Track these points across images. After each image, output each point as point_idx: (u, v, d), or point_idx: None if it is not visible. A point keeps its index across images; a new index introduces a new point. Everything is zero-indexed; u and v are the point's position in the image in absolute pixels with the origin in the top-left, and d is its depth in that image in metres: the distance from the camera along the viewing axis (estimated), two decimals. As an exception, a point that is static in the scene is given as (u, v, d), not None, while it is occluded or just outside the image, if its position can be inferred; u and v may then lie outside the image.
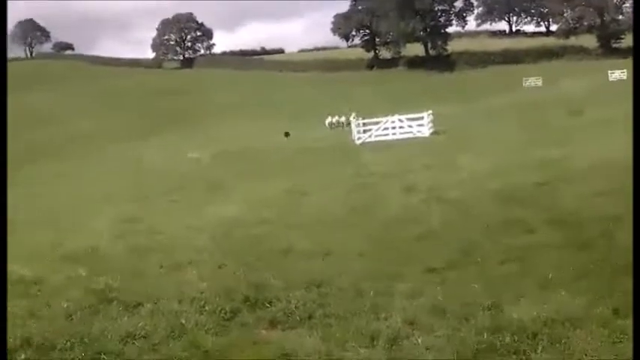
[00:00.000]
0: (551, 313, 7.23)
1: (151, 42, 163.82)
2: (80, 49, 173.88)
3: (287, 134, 49.61)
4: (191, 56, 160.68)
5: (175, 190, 22.35)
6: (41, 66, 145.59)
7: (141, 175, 29.89)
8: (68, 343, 7.28)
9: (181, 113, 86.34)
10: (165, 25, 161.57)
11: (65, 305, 8.57)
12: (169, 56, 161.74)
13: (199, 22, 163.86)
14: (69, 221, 17.00)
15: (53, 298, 8.94)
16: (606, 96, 49.73)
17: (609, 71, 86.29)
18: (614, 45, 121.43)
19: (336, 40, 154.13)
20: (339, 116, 57.38)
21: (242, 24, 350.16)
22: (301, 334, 7.46)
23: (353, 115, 47.49)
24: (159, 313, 8.21)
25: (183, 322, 7.79)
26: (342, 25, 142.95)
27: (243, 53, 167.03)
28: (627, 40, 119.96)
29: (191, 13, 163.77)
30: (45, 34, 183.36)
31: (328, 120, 58.04)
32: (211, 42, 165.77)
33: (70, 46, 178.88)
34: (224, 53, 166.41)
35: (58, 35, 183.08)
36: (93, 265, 10.79)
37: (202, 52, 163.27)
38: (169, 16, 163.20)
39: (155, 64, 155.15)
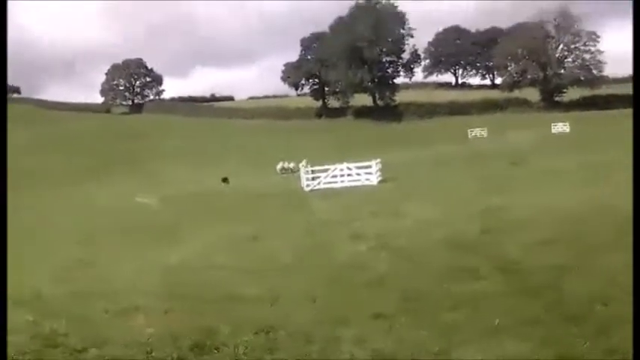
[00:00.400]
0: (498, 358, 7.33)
1: (100, 87, 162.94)
2: (27, 93, 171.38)
3: (225, 180, 49.49)
4: (140, 101, 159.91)
5: (123, 233, 22.09)
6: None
7: (87, 219, 29.46)
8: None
9: (130, 158, 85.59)
10: (115, 70, 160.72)
11: (8, 351, 8.37)
12: (118, 101, 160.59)
13: (149, 67, 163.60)
14: (13, 263, 16.63)
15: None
16: (549, 147, 50.99)
17: (552, 124, 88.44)
18: (557, 98, 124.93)
19: (286, 89, 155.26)
20: (289, 162, 57.66)
21: (192, 70, 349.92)
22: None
23: (303, 162, 47.72)
24: (105, 358, 8.08)
25: (130, 367, 7.69)
26: (292, 74, 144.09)
27: (192, 99, 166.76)
28: (569, 94, 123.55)
29: (140, 59, 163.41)
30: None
31: (279, 165, 58.26)
32: (161, 88, 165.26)
33: (16, 90, 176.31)
34: (173, 99, 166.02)
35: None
36: (38, 310, 10.58)
37: (152, 97, 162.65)
38: (119, 61, 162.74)
39: (103, 108, 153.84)
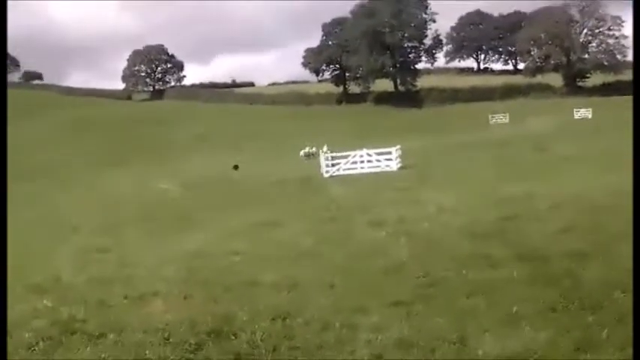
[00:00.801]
0: (516, 347, 7.27)
1: (121, 73, 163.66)
2: (50, 79, 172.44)
3: (236, 167, 49.61)
4: (161, 88, 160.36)
5: (144, 220, 22.19)
6: (9, 96, 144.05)
7: (109, 205, 29.62)
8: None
9: (150, 144, 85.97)
10: (136, 57, 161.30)
11: (27, 336, 8.45)
12: (139, 87, 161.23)
13: (170, 53, 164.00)
14: (36, 249, 16.79)
15: (15, 329, 8.81)
16: (572, 133, 50.58)
17: (575, 109, 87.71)
18: (580, 84, 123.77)
19: (307, 74, 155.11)
20: (311, 148, 57.58)
21: (213, 56, 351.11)
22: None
23: (324, 147, 47.80)
24: (122, 344, 8.13)
25: (147, 353, 7.72)
26: (313, 60, 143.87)
27: (213, 85, 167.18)
28: (592, 79, 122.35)
29: (162, 45, 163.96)
30: (14, 62, 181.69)
31: (304, 151, 58.13)
32: (182, 74, 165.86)
33: (39, 76, 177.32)
34: (194, 85, 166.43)
35: (27, 65, 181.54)
36: (57, 296, 10.67)
37: (173, 83, 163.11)
38: (141, 47, 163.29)
39: (124, 95, 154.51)
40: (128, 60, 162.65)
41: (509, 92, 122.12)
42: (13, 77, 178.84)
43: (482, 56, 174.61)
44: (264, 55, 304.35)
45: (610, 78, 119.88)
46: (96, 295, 10.84)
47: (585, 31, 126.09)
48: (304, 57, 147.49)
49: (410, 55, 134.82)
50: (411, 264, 11.56)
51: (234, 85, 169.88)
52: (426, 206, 18.89)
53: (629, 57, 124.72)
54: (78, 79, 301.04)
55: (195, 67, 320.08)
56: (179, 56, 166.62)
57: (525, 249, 11.96)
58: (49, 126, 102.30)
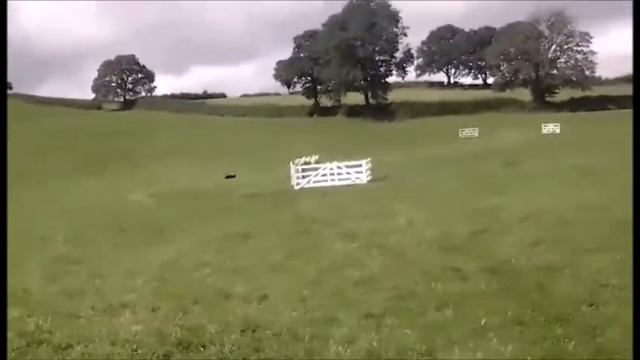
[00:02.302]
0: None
1: (91, 83, 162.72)
2: (18, 89, 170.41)
3: (230, 176, 49.69)
4: (132, 98, 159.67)
5: (113, 231, 22.04)
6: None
7: (79, 216, 29.37)
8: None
9: (120, 155, 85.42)
10: (107, 67, 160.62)
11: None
12: (110, 98, 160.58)
13: (141, 64, 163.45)
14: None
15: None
16: (540, 148, 51.16)
17: (543, 124, 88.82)
18: (548, 99, 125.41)
19: (278, 87, 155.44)
20: (308, 157, 56.89)
21: (185, 67, 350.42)
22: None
23: (313, 157, 48.17)
24: (89, 355, 8.05)
25: (115, 365, 7.67)
26: (285, 72, 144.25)
27: (185, 96, 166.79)
28: (561, 95, 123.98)
29: (133, 55, 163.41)
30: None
31: (301, 160, 57.33)
32: (153, 84, 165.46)
33: (8, 85, 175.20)
34: (165, 96, 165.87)
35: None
36: (24, 307, 10.55)
37: (143, 94, 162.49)
38: (112, 57, 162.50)
39: (95, 105, 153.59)
40: (99, 70, 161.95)
41: (478, 106, 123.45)
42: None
43: (453, 70, 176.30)
44: (236, 66, 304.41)
45: (578, 93, 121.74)
46: (63, 306, 10.74)
47: (554, 46, 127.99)
48: (276, 69, 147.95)
49: (381, 69, 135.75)
50: (381, 277, 11.59)
51: (206, 96, 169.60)
52: (397, 219, 18.96)
53: (597, 73, 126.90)
54: (47, 89, 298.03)
55: (167, 77, 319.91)
56: (151, 66, 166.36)
57: (494, 262, 12.05)
58: (18, 136, 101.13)
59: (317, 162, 44.77)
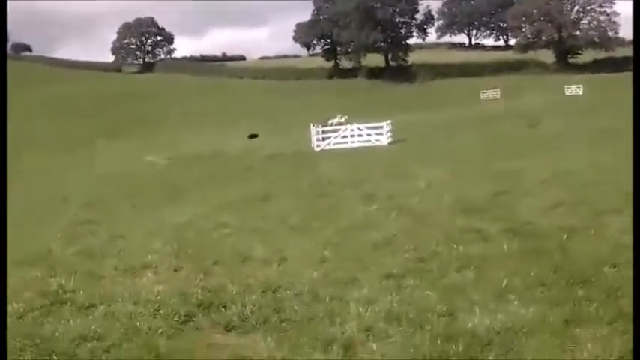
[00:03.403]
0: (505, 322, 7.30)
1: (110, 46, 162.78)
2: (39, 51, 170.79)
3: (253, 136, 49.88)
4: (151, 60, 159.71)
5: (133, 193, 22.16)
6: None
7: (97, 179, 29.55)
8: (18, 344, 7.19)
9: (142, 117, 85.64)
10: (126, 29, 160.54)
11: (16, 306, 8.45)
12: (129, 60, 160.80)
13: (160, 26, 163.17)
14: (25, 222, 16.75)
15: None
16: (562, 110, 50.62)
17: (566, 86, 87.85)
18: (571, 60, 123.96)
19: (298, 49, 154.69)
20: (341, 117, 56.48)
21: (205, 30, 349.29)
22: (256, 338, 7.44)
23: (344, 118, 48.16)
24: (112, 315, 8.13)
25: (138, 324, 7.73)
26: (304, 34, 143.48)
27: (204, 59, 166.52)
28: (584, 56, 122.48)
29: (152, 18, 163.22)
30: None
31: (332, 121, 56.94)
32: (172, 47, 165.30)
33: (27, 48, 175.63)
34: (185, 58, 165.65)
35: (15, 36, 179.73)
36: (47, 267, 10.66)
37: (162, 56, 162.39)
38: (131, 19, 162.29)
39: (114, 67, 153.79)
40: (118, 33, 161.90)
41: (500, 68, 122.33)
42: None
43: (474, 32, 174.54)
44: (255, 29, 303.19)
45: (601, 55, 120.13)
46: (85, 266, 10.84)
47: (577, 7, 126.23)
48: (295, 31, 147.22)
49: (401, 31, 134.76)
50: (401, 238, 11.57)
51: (225, 58, 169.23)
52: (417, 181, 18.89)
53: (620, 34, 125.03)
54: (67, 51, 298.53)
55: (186, 40, 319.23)
56: (170, 29, 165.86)
57: (516, 224, 11.99)
58: (37, 99, 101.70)
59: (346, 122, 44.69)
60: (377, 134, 38.35)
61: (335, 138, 38.70)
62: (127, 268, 10.61)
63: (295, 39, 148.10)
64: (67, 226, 15.61)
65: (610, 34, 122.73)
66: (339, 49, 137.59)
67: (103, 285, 9.58)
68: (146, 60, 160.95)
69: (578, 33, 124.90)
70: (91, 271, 10.43)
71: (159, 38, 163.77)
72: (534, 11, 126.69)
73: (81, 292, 9.13)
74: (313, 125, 40.29)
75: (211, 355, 7.08)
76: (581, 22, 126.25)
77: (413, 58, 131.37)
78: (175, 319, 8.00)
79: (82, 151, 54.00)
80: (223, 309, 8.28)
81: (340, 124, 49.77)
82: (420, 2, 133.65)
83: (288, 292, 8.84)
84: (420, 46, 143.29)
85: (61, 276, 9.96)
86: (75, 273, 10.19)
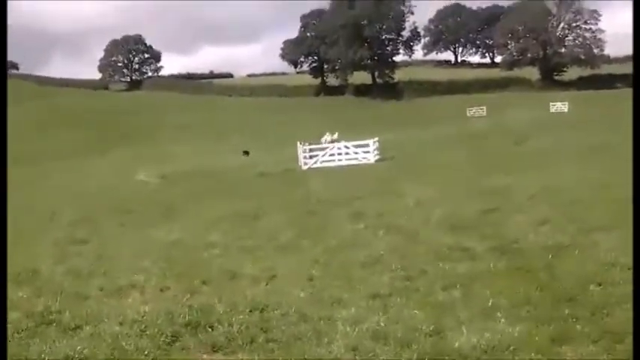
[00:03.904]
0: (492, 340, 7.33)
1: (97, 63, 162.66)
2: (26, 69, 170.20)
3: (246, 153, 50.15)
4: (138, 78, 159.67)
5: (122, 211, 22.05)
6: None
7: (85, 196, 29.41)
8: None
9: (129, 135, 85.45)
10: (113, 47, 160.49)
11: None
12: (116, 77, 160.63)
13: (147, 44, 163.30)
14: (11, 240, 16.63)
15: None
16: (548, 127, 50.93)
17: (551, 103, 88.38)
18: (556, 77, 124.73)
19: (285, 66, 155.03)
20: (332, 135, 56.57)
21: (192, 47, 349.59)
22: (243, 359, 7.42)
23: (335, 134, 48.58)
24: (99, 335, 8.10)
25: (124, 344, 7.70)
26: (291, 51, 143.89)
27: (191, 76, 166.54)
28: (569, 73, 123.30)
29: (139, 35, 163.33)
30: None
31: (325, 138, 56.92)
32: (159, 64, 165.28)
33: (14, 66, 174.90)
34: (172, 76, 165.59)
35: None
36: (33, 287, 10.60)
37: (150, 74, 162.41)
38: (119, 37, 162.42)
39: (101, 85, 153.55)
40: (105, 50, 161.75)
41: (486, 85, 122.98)
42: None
43: (460, 49, 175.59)
44: (242, 46, 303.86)
45: (586, 72, 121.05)
46: (72, 286, 10.79)
47: (562, 24, 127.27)
48: (282, 49, 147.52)
49: (388, 48, 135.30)
50: (389, 257, 11.59)
51: (213, 76, 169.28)
52: (405, 199, 18.94)
53: (606, 51, 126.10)
54: (54, 68, 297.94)
55: (174, 57, 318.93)
56: (157, 46, 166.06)
57: (503, 241, 12.03)
58: (26, 116, 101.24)
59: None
60: (364, 152, 38.48)
61: (322, 156, 38.76)
62: (113, 288, 10.56)
63: (283, 56, 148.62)
64: (53, 245, 15.51)
65: (595, 51, 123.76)
66: (326, 66, 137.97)
67: (89, 305, 9.53)
68: (133, 78, 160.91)
69: (563, 50, 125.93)
70: (77, 292, 10.38)
71: (146, 56, 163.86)
72: (520, 28, 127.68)
73: (67, 312, 9.08)
74: (300, 143, 40.33)
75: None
76: (567, 39, 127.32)
77: (399, 75, 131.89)
78: (162, 339, 7.96)
79: (68, 168, 53.76)
80: (210, 329, 8.26)
81: (333, 141, 49.81)
82: (407, 19, 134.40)
83: (275, 311, 8.83)
84: (406, 64, 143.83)
85: (46, 296, 9.92)
86: (61, 293, 10.14)
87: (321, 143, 48.69)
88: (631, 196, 10.00)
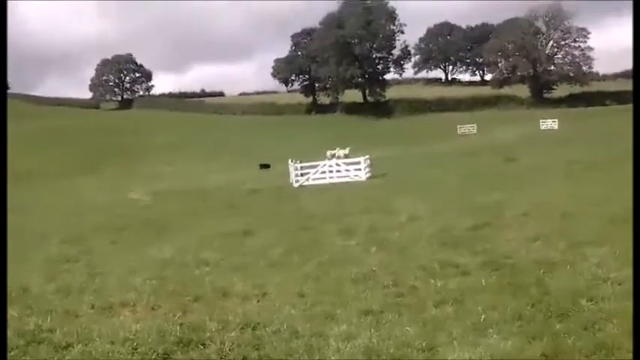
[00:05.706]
0: (484, 356, 7.33)
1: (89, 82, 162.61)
2: (16, 89, 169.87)
3: (265, 166, 50.71)
4: (129, 97, 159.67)
5: (113, 229, 21.97)
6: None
7: (77, 215, 29.30)
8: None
9: (120, 154, 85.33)
10: (104, 66, 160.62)
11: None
12: (107, 97, 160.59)
13: (138, 63, 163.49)
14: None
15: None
16: (538, 144, 51.17)
17: (541, 120, 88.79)
18: (546, 95, 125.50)
19: (277, 85, 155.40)
20: (340, 149, 56.55)
21: (183, 66, 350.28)
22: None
23: (347, 149, 49.22)
24: (89, 354, 8.05)
25: (115, 363, 7.67)
26: (282, 70, 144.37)
27: (183, 95, 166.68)
28: (559, 91, 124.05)
29: (130, 55, 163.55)
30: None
31: (331, 152, 56.77)
32: (150, 83, 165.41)
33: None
34: (163, 95, 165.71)
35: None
36: (24, 306, 10.54)
37: (141, 93, 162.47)
38: (110, 56, 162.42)
39: (93, 104, 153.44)
40: (96, 69, 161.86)
41: (476, 103, 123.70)
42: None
43: (450, 67, 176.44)
44: (234, 65, 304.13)
45: (576, 89, 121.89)
46: (63, 305, 10.72)
47: (551, 42, 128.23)
48: (274, 67, 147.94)
49: (378, 66, 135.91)
50: (380, 273, 11.59)
51: (204, 94, 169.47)
52: (396, 216, 18.96)
53: (595, 68, 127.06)
54: (45, 88, 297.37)
55: (165, 76, 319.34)
56: (149, 65, 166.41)
57: (494, 257, 12.05)
58: (16, 136, 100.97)
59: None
60: (355, 169, 38.55)
61: (313, 174, 38.79)
62: (104, 306, 10.51)
63: (274, 75, 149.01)
64: (44, 263, 15.44)
65: (584, 68, 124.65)
66: (317, 84, 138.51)
67: (80, 323, 9.48)
68: (124, 97, 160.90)
69: (552, 68, 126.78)
70: (68, 310, 10.33)
71: (137, 75, 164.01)
72: (509, 46, 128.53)
73: (58, 331, 9.03)
74: (292, 161, 40.36)
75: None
76: (556, 56, 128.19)
77: (390, 93, 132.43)
78: (153, 357, 7.93)
79: (59, 187, 53.59)
80: (202, 347, 8.23)
81: (346, 156, 49.80)
82: (397, 38, 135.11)
83: (267, 328, 8.81)
84: (397, 82, 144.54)
85: (37, 315, 9.86)
86: (52, 312, 10.09)
87: (328, 157, 48.84)
88: (621, 212, 10.05)
